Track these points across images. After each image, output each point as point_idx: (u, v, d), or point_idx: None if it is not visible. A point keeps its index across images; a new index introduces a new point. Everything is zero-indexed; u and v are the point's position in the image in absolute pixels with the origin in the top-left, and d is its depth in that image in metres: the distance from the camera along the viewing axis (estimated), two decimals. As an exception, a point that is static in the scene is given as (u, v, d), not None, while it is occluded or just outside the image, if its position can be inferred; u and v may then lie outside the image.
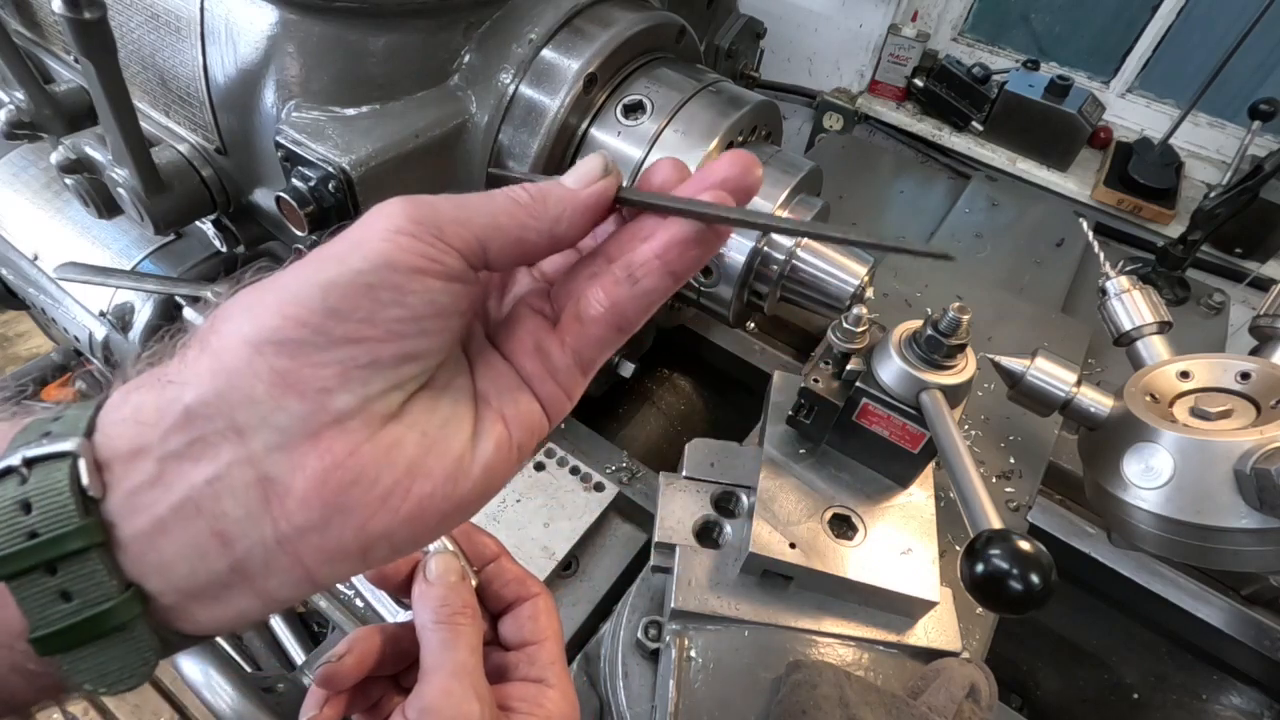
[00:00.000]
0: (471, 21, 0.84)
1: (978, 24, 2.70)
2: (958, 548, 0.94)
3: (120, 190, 0.91)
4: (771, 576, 0.84)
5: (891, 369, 0.78)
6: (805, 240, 0.87)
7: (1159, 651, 1.23)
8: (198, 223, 1.06)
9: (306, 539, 0.30)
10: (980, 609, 0.89)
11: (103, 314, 1.17)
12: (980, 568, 0.53)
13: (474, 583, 0.50)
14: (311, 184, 0.78)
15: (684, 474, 0.92)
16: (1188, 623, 1.08)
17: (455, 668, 0.43)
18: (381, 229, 0.30)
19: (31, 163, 1.29)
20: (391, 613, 0.87)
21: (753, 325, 1.30)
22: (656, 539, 0.83)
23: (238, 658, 1.93)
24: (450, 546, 0.51)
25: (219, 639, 1.98)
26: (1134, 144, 2.36)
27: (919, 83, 2.54)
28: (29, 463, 0.28)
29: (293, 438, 0.29)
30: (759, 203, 0.85)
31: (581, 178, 0.35)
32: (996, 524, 0.57)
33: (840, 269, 0.87)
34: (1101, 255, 0.96)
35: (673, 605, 0.79)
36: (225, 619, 0.31)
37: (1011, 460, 1.06)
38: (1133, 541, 0.76)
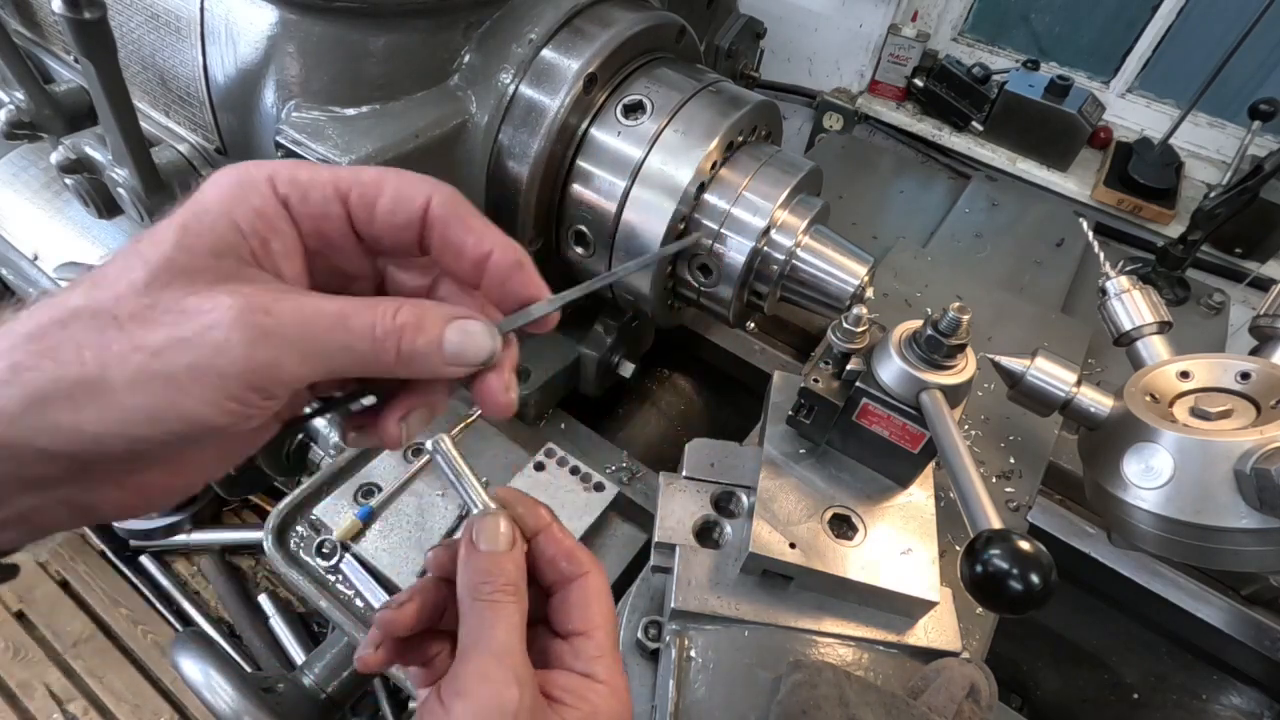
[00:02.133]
0: (471, 21, 0.84)
1: (978, 24, 2.69)
2: (958, 548, 0.94)
3: (120, 190, 0.91)
4: (771, 576, 0.84)
5: (891, 369, 0.78)
6: (805, 240, 0.87)
7: (1159, 651, 1.23)
8: (198, 223, 1.06)
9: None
10: (980, 609, 0.89)
11: (103, 314, 1.16)
12: (980, 568, 0.53)
13: (524, 548, 0.46)
14: (311, 184, 0.78)
15: (684, 474, 0.92)
16: (1188, 623, 1.08)
17: (494, 648, 0.41)
18: (211, 392, 0.33)
19: (31, 163, 1.30)
20: (391, 613, 0.87)
21: (753, 325, 1.30)
22: (656, 539, 0.83)
23: (238, 658, 1.94)
24: (498, 510, 0.47)
25: (219, 638, 1.98)
26: (1134, 144, 2.36)
27: (919, 83, 2.54)
28: None
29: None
30: (759, 202, 0.85)
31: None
32: (996, 524, 0.57)
33: (840, 269, 0.87)
34: (1101, 255, 0.96)
35: (673, 605, 0.79)
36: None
37: (1011, 460, 1.06)
38: (1133, 541, 0.76)
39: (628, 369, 1.13)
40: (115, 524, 1.71)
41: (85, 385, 0.32)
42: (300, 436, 1.29)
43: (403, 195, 0.39)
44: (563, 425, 1.12)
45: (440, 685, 0.41)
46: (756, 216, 0.85)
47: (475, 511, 0.46)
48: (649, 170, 0.84)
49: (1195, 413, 0.76)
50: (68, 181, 0.97)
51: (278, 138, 0.79)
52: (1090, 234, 1.02)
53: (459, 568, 0.44)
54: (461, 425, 1.00)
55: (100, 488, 0.36)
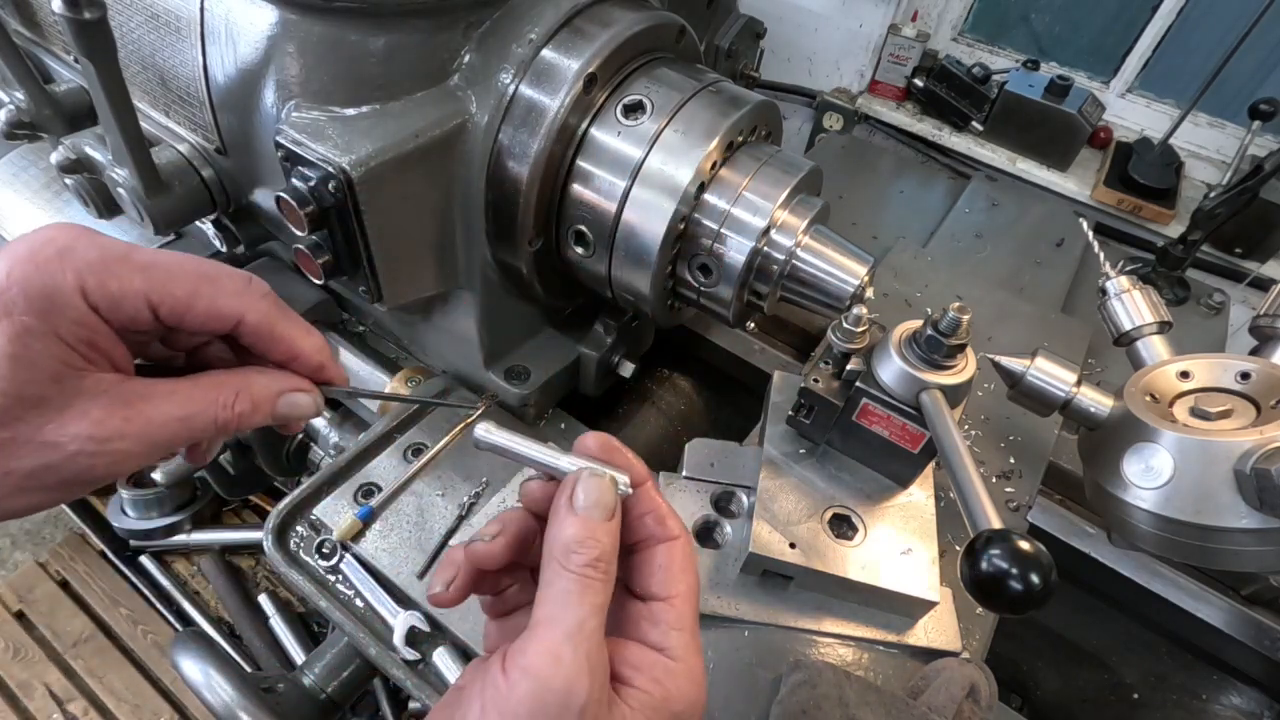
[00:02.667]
0: (471, 21, 0.84)
1: (978, 24, 2.70)
2: (958, 548, 0.94)
3: (120, 190, 0.91)
4: (771, 576, 0.84)
5: (891, 369, 0.78)
6: (806, 240, 0.87)
7: (1159, 651, 1.23)
8: (198, 223, 1.06)
9: None
10: (980, 609, 0.89)
11: (103, 314, 1.17)
12: (980, 568, 0.53)
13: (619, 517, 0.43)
14: (311, 184, 0.78)
15: (684, 474, 0.92)
16: (1188, 623, 1.08)
17: (571, 629, 0.38)
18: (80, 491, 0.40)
19: (31, 163, 1.29)
20: (391, 612, 0.87)
21: (753, 325, 1.30)
22: (656, 539, 0.82)
23: (238, 658, 1.94)
24: (607, 472, 0.43)
25: (219, 638, 1.98)
26: (1134, 144, 2.36)
27: (919, 83, 2.54)
28: None
29: None
30: (759, 202, 0.85)
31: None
32: (996, 524, 0.57)
33: (840, 269, 0.87)
34: (1101, 255, 0.96)
35: (673, 605, 0.78)
36: None
37: (1011, 460, 1.06)
38: (1133, 541, 0.76)
39: (628, 369, 1.13)
40: (115, 524, 1.71)
41: None
42: (300, 436, 1.29)
43: (213, 314, 0.42)
44: (563, 425, 1.12)
45: (506, 651, 0.38)
46: (756, 216, 0.85)
47: (583, 468, 0.43)
48: (649, 170, 0.84)
49: (1195, 413, 0.76)
50: (68, 181, 0.97)
51: (278, 138, 0.79)
52: (1090, 234, 1.02)
53: (550, 520, 0.42)
54: (462, 425, 1.01)
55: None
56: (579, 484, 0.42)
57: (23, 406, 0.37)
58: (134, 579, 2.17)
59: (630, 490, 0.44)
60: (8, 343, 0.36)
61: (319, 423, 1.19)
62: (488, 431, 0.47)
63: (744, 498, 0.90)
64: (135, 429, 0.39)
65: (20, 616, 2.08)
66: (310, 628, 2.09)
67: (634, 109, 0.87)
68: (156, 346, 0.46)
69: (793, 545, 0.82)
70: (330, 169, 0.76)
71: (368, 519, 0.91)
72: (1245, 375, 0.77)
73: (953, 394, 0.76)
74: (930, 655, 0.83)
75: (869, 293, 0.88)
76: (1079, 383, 0.84)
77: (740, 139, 0.89)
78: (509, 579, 0.49)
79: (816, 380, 0.86)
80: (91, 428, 0.38)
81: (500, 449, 0.47)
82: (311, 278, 0.87)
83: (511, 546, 0.46)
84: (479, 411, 1.02)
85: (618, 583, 0.44)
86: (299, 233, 0.82)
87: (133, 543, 2.18)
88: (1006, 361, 0.86)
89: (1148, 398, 0.79)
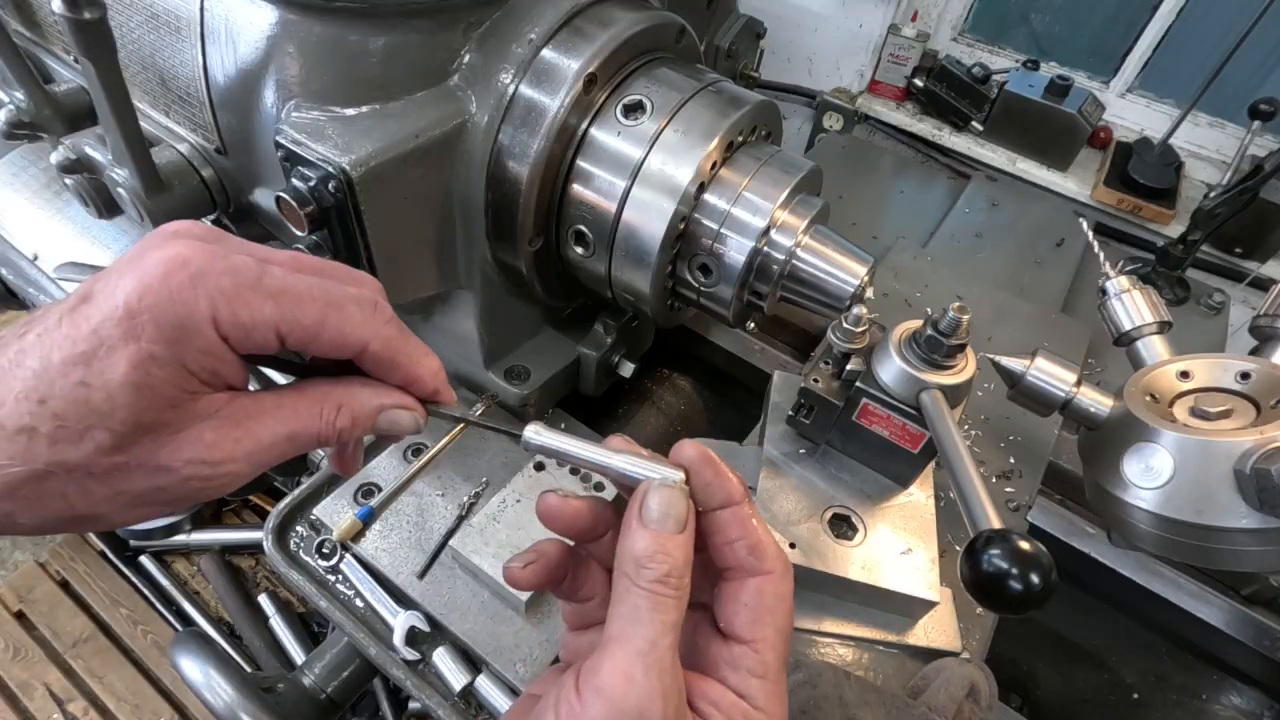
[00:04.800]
0: (471, 21, 0.84)
1: (978, 24, 2.70)
2: (958, 548, 0.94)
3: (120, 190, 0.91)
4: (771, 576, 0.84)
5: (891, 369, 0.78)
6: (806, 240, 0.87)
7: (1159, 651, 1.23)
8: (198, 223, 1.06)
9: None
10: (980, 609, 0.89)
11: (103, 314, 1.17)
12: (980, 568, 0.53)
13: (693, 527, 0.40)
14: (311, 184, 0.78)
15: (684, 474, 0.92)
16: (1188, 623, 1.08)
17: (644, 647, 0.37)
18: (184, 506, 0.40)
19: (31, 163, 1.30)
20: (391, 612, 0.87)
21: (753, 325, 1.30)
22: (656, 539, 0.82)
23: (238, 658, 1.94)
24: (682, 478, 0.41)
25: (219, 638, 1.98)
26: (1134, 144, 2.36)
27: (919, 83, 2.54)
28: None
29: None
30: (759, 202, 0.85)
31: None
32: (996, 524, 0.57)
33: (840, 269, 0.87)
34: (1101, 255, 0.96)
35: (673, 605, 0.78)
36: None
37: (1011, 460, 1.06)
38: (1133, 541, 0.76)
39: (628, 369, 1.13)
40: (115, 524, 1.71)
41: (79, 519, 0.38)
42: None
43: (338, 342, 0.41)
44: (563, 425, 1.12)
45: (580, 670, 0.38)
46: (756, 216, 0.85)
47: (656, 477, 0.41)
48: (649, 170, 0.84)
49: (1195, 413, 0.76)
50: (68, 181, 0.97)
51: (278, 138, 0.79)
52: (1090, 234, 1.02)
53: (622, 533, 0.41)
54: (462, 425, 1.00)
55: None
56: (649, 494, 0.41)
57: (139, 433, 0.36)
58: (134, 579, 2.17)
59: (681, 479, 0.41)
60: (130, 369, 0.35)
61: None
62: (536, 433, 0.44)
63: (744, 498, 0.90)
64: (244, 450, 0.39)
65: (20, 616, 2.08)
66: (310, 628, 2.09)
67: (634, 109, 0.87)
68: None
69: (793, 545, 0.82)
70: (330, 169, 0.76)
71: (368, 519, 0.91)
72: (1245, 375, 0.77)
73: (953, 394, 0.76)
74: (930, 655, 0.83)
75: (869, 293, 0.88)
76: (1079, 383, 0.84)
77: (740, 139, 0.89)
78: (589, 584, 0.47)
79: (816, 380, 0.86)
80: (205, 451, 0.38)
81: (551, 451, 0.44)
82: (311, 278, 0.87)
83: (539, 578, 0.46)
84: (479, 413, 1.02)
85: (702, 610, 0.43)
86: (299, 233, 0.82)
87: (133, 542, 2.18)
88: (1006, 361, 0.86)
89: (1148, 398, 0.79)
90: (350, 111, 0.81)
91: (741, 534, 0.41)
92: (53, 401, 0.35)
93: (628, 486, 0.42)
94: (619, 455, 0.42)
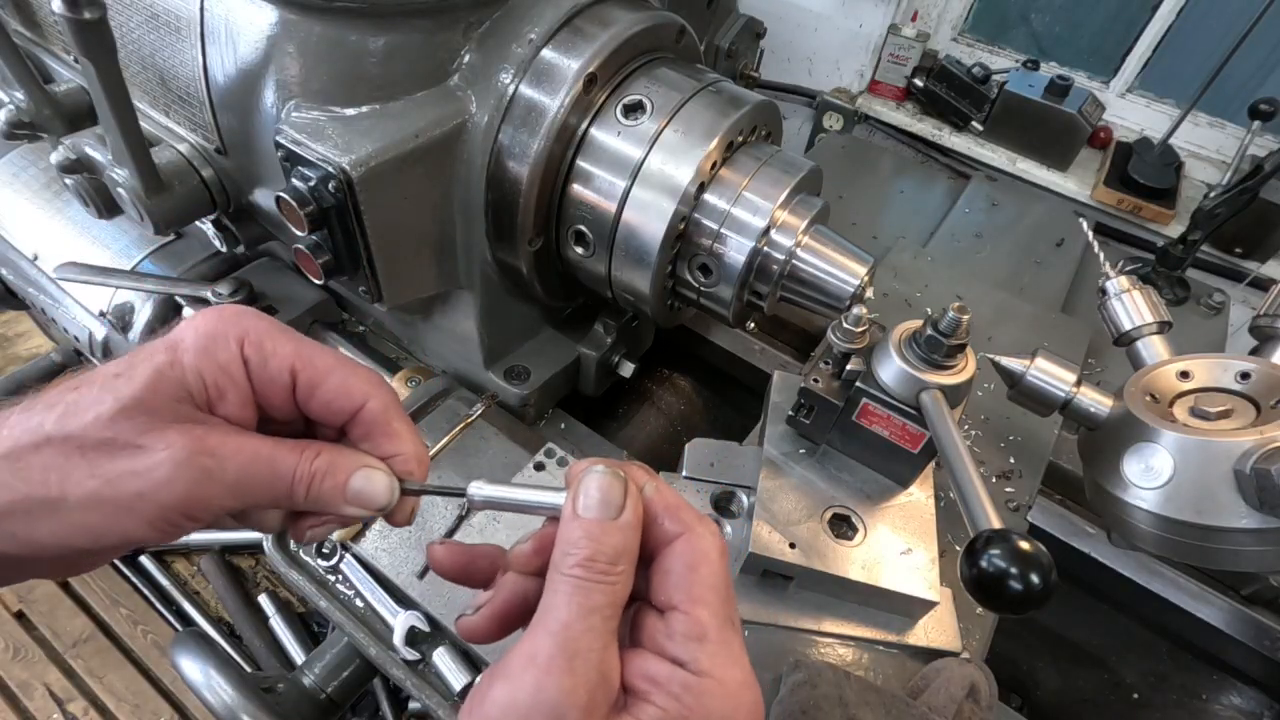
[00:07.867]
0: (471, 21, 0.84)
1: (978, 24, 2.70)
2: (958, 548, 0.94)
3: (120, 190, 0.91)
4: (771, 576, 0.84)
5: (891, 369, 0.78)
6: (805, 240, 0.87)
7: (1159, 651, 1.23)
8: (198, 223, 1.06)
9: None
10: (980, 609, 0.89)
11: (103, 314, 1.17)
12: (980, 568, 0.53)
13: (635, 520, 0.39)
14: (311, 184, 0.78)
15: (684, 474, 0.92)
16: (1188, 623, 1.08)
17: (554, 629, 0.35)
18: (150, 516, 0.39)
19: (31, 163, 1.29)
20: (391, 612, 0.87)
21: (753, 325, 1.30)
22: (656, 539, 0.82)
23: (238, 658, 1.94)
24: (608, 470, 0.40)
25: (219, 638, 1.98)
26: (1134, 144, 2.36)
27: (919, 83, 2.54)
28: None
29: None
30: (759, 202, 0.85)
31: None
32: (996, 524, 0.57)
33: (840, 269, 0.87)
34: (1101, 255, 0.96)
35: (673, 605, 0.78)
36: None
37: (1011, 460, 1.06)
38: (1133, 541, 0.76)
39: (628, 369, 1.13)
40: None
41: (46, 504, 0.38)
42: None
43: (343, 391, 0.44)
44: (562, 425, 1.12)
45: (513, 650, 0.36)
46: (756, 216, 0.85)
47: (594, 470, 0.40)
48: (649, 170, 0.84)
49: (1195, 413, 0.76)
50: (68, 181, 0.97)
51: (278, 138, 0.79)
52: (1090, 234, 1.02)
53: (559, 528, 0.40)
54: (461, 425, 1.00)
55: (25, 571, 0.42)
56: (584, 481, 0.40)
57: (136, 410, 0.39)
58: (134, 579, 2.17)
59: (606, 470, 0.41)
60: (160, 358, 0.41)
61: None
62: (479, 488, 0.45)
63: (744, 498, 0.90)
64: (230, 450, 0.41)
65: (20, 616, 2.08)
66: (310, 628, 2.08)
67: (634, 109, 0.87)
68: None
69: (793, 545, 0.82)
70: (330, 169, 0.76)
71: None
72: (1245, 375, 0.77)
73: (953, 394, 0.76)
74: (930, 655, 0.83)
75: (869, 293, 0.88)
76: (1079, 383, 0.84)
77: (740, 139, 0.89)
78: None
79: (816, 380, 0.86)
80: (188, 440, 0.40)
81: (496, 502, 0.45)
82: (311, 278, 0.87)
83: (490, 625, 0.45)
84: (479, 412, 1.02)
85: (641, 600, 0.41)
86: (299, 233, 0.82)
87: (133, 543, 2.18)
88: (1006, 361, 0.86)
89: (1148, 398, 0.79)
90: (350, 111, 0.81)
91: (658, 505, 0.41)
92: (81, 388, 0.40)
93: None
94: (559, 494, 0.42)
